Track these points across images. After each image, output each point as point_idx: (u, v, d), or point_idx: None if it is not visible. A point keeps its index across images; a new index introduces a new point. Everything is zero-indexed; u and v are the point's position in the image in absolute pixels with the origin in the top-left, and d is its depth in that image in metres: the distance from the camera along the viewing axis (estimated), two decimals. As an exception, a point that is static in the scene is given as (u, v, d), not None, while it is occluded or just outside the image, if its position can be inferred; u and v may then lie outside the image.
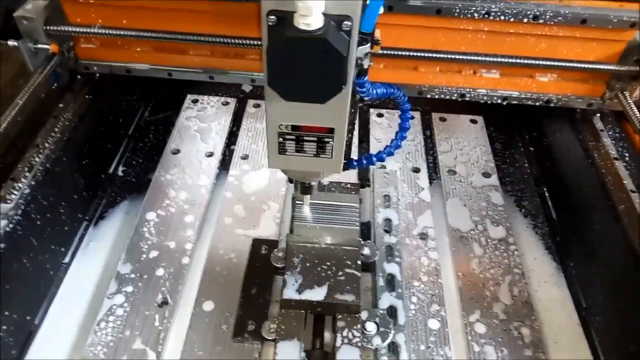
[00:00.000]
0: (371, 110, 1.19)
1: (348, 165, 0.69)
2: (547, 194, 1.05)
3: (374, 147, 1.11)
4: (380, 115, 1.19)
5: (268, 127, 0.60)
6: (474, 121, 1.19)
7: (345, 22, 0.49)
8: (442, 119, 1.19)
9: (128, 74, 1.00)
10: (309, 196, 0.76)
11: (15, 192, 0.77)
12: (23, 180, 0.79)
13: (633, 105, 0.87)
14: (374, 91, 0.61)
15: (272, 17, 0.48)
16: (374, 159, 0.70)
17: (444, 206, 1.01)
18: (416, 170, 1.07)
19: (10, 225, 0.74)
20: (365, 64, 0.59)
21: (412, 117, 1.16)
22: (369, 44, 0.57)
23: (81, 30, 0.93)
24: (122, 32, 0.93)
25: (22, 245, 0.77)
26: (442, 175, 1.07)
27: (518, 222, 1.01)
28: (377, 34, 0.66)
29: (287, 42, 0.49)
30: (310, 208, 0.82)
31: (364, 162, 0.70)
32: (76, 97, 0.96)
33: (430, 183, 1.05)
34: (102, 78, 1.03)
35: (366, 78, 0.60)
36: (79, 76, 0.99)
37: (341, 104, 0.56)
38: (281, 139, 0.60)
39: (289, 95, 0.54)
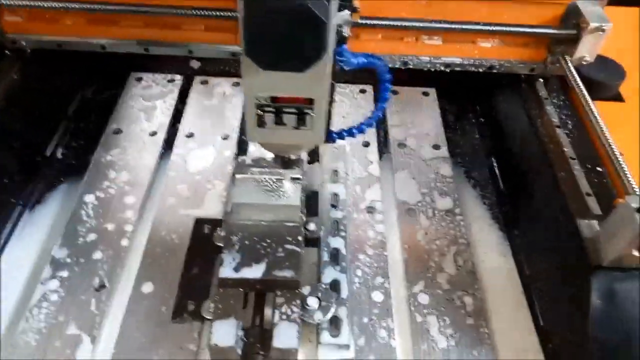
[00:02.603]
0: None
1: (328, 137, 0.68)
2: (495, 165, 1.05)
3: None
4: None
5: (246, 99, 0.58)
6: (426, 93, 1.18)
7: None
8: (394, 92, 1.18)
9: (60, 49, 0.95)
10: (289, 171, 0.75)
11: None
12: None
13: (573, 70, 0.86)
14: (355, 60, 0.59)
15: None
16: (355, 130, 0.69)
17: (393, 179, 1.00)
18: (366, 144, 1.06)
19: None
20: (345, 31, 0.57)
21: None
22: (347, 11, 0.55)
23: (5, 1, 0.88)
24: (50, 4, 0.88)
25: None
26: (392, 148, 1.05)
27: (466, 193, 1.01)
28: (356, 2, 0.64)
29: (266, 9, 0.47)
30: (249, 183, 0.79)
31: (345, 134, 0.69)
32: (4, 76, 0.91)
33: (380, 157, 1.04)
34: (35, 55, 0.98)
35: (345, 47, 0.58)
36: (7, 52, 0.94)
37: (321, 74, 0.55)
38: (260, 111, 0.58)
39: (268, 65, 0.52)
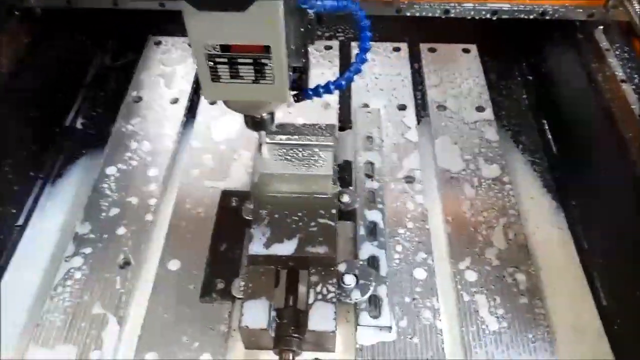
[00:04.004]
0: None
1: (303, 95, 0.60)
2: (546, 127, 0.95)
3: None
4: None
5: (193, 50, 0.50)
6: (466, 50, 1.08)
7: None
8: (432, 50, 1.08)
9: (70, 7, 0.89)
10: (263, 133, 0.67)
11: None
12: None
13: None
14: (320, 3, 0.52)
15: None
16: (332, 86, 0.60)
17: (432, 146, 0.92)
18: (402, 107, 0.97)
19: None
20: None
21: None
22: None
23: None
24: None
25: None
26: (431, 111, 0.97)
27: (514, 159, 0.92)
28: None
29: None
30: (277, 151, 0.73)
31: (321, 90, 0.60)
32: (14, 38, 0.85)
33: (418, 121, 0.96)
34: (46, 16, 0.91)
35: None
36: (15, 12, 0.88)
37: (272, 15, 0.47)
38: (211, 63, 0.51)
39: (201, 2, 0.46)
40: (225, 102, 0.60)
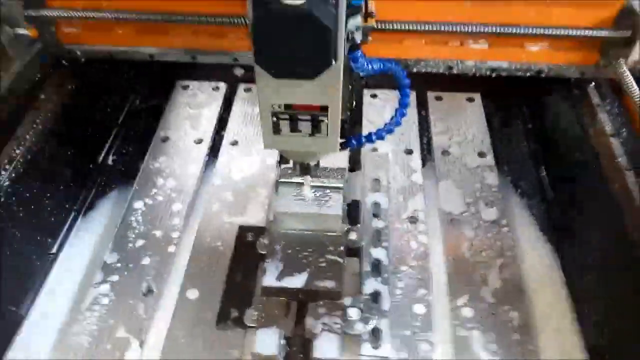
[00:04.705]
0: (365, 91, 1.16)
1: (347, 144, 0.68)
2: (544, 174, 1.02)
3: (367, 130, 1.08)
4: (374, 96, 1.16)
5: (261, 107, 0.59)
6: (470, 99, 1.15)
7: None
8: (438, 98, 1.16)
9: (112, 58, 0.99)
10: (309, 177, 0.75)
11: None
12: (2, 172, 0.79)
13: (628, 73, 0.82)
14: (369, 66, 0.60)
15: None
16: (374, 137, 0.69)
17: (436, 189, 0.98)
18: (409, 152, 1.04)
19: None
20: (358, 37, 0.57)
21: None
22: (360, 17, 0.55)
23: (61, 13, 0.92)
24: (103, 15, 0.92)
25: (4, 237, 0.77)
26: (435, 156, 1.04)
27: (513, 203, 0.98)
28: (372, 6, 0.64)
29: (271, 17, 0.48)
30: (291, 192, 0.80)
31: (363, 140, 0.68)
32: (60, 85, 0.96)
33: (424, 165, 1.03)
34: (88, 64, 1.02)
35: (360, 52, 0.58)
36: (64, 62, 0.99)
37: (333, 80, 0.55)
38: (275, 119, 0.59)
39: (277, 72, 0.53)
40: (281, 150, 0.67)
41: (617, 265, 0.75)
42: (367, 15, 0.63)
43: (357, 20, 0.55)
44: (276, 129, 0.60)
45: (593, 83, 0.93)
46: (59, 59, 0.98)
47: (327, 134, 0.60)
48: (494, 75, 0.96)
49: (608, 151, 0.82)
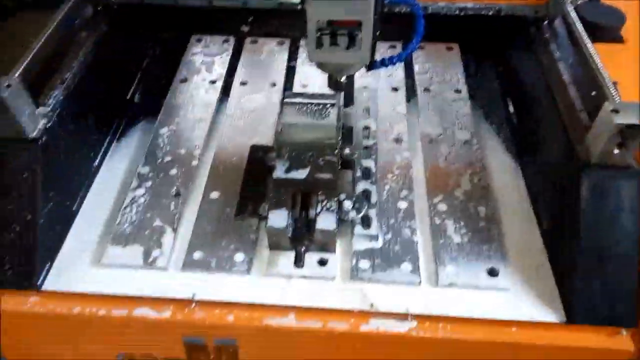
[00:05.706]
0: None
1: (373, 65, 0.84)
2: (510, 105, 1.18)
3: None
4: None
5: (309, 25, 0.74)
6: (450, 48, 1.32)
7: None
8: (421, 47, 1.32)
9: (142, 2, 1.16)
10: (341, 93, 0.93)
11: (52, 100, 0.94)
12: (56, 91, 0.96)
13: (571, 10, 0.99)
14: None
15: None
16: (395, 59, 0.86)
17: (418, 116, 1.15)
18: (395, 89, 1.21)
19: (49, 124, 0.90)
20: None
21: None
22: None
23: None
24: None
25: (59, 143, 0.93)
26: (418, 93, 1.20)
27: (483, 129, 1.14)
28: None
29: None
30: (295, 108, 0.96)
31: (387, 62, 0.85)
32: (95, 29, 1.12)
33: (408, 101, 1.19)
34: (120, 11, 1.18)
35: None
36: (98, 8, 1.15)
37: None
38: (319, 34, 0.74)
39: None
40: (320, 65, 0.84)
41: (562, 164, 0.91)
42: None
43: None
44: (319, 44, 0.75)
45: (547, 21, 1.10)
46: (95, 4, 1.14)
47: (361, 48, 0.75)
48: (462, 14, 1.12)
49: (559, 79, 0.99)
